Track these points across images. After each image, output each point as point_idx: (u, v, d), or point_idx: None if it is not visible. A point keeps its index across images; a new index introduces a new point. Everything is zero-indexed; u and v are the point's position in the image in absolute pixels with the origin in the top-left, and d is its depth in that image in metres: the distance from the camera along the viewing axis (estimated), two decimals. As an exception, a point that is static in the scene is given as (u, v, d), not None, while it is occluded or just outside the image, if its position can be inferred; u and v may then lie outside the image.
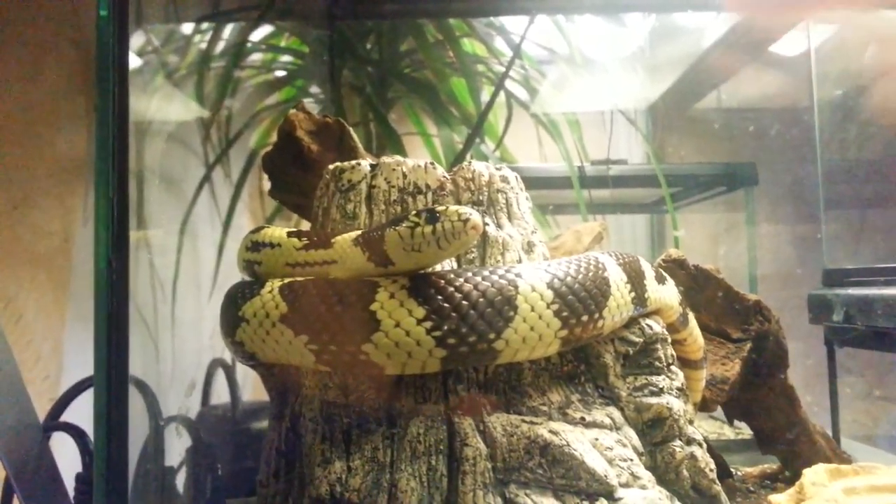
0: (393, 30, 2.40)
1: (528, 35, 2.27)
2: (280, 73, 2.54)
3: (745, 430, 1.90)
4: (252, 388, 1.97)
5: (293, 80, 2.51)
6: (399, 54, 2.44)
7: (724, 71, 2.51)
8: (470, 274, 0.90)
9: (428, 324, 0.86)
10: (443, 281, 0.89)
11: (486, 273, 0.91)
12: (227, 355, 1.83)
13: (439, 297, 0.87)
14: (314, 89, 2.49)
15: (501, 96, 2.29)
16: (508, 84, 2.32)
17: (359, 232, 0.97)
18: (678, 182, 2.48)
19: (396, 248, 0.88)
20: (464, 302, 0.87)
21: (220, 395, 1.83)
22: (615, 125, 2.52)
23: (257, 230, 1.07)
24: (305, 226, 1.45)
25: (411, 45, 2.42)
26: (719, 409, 1.50)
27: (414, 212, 0.88)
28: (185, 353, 1.91)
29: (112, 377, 0.95)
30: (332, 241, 0.98)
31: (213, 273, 2.07)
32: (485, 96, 2.32)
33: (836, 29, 2.27)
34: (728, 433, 2.11)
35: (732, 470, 1.57)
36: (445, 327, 0.86)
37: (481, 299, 0.88)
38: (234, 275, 1.90)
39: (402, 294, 0.88)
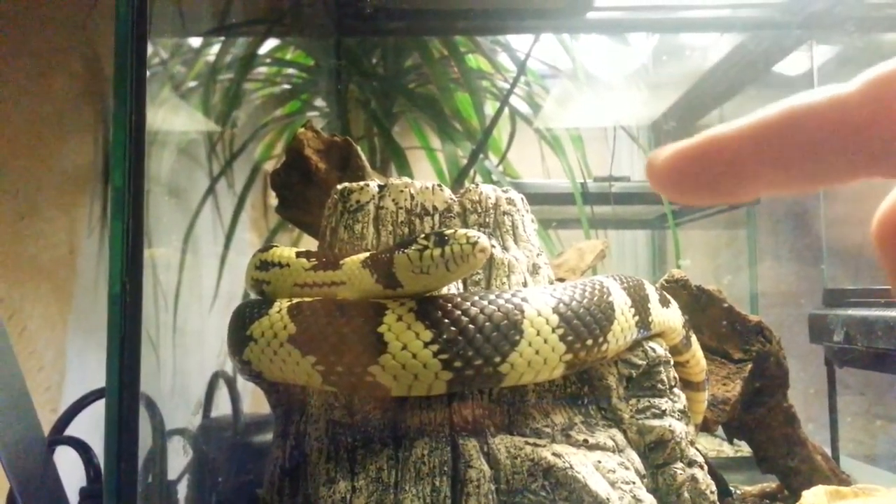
0: (398, 45, 2.42)
1: (533, 52, 2.29)
2: (285, 87, 2.56)
3: (744, 448, 1.91)
4: (251, 399, 1.98)
5: (298, 94, 2.53)
6: (404, 69, 2.46)
7: (726, 90, 2.53)
8: (477, 297, 0.91)
9: (434, 347, 0.87)
10: (450, 304, 0.90)
11: (492, 297, 0.92)
12: (229, 367, 1.84)
13: (446, 321, 0.88)
14: (319, 102, 2.51)
15: (505, 111, 2.31)
16: (512, 99, 2.34)
17: (367, 254, 0.98)
18: (680, 199, 2.48)
19: (405, 271, 0.89)
20: (470, 326, 0.88)
21: (222, 407, 1.83)
22: (618, 142, 2.53)
23: (266, 249, 1.08)
24: (310, 242, 1.46)
25: (416, 60, 2.44)
26: (719, 427, 1.51)
27: (422, 235, 0.89)
28: (188, 366, 1.91)
29: (123, 395, 0.96)
30: (341, 262, 0.99)
31: (216, 286, 2.08)
32: (488, 110, 2.34)
33: (838, 49, 2.29)
34: (727, 451, 2.12)
35: (732, 489, 1.57)
36: (452, 350, 0.87)
37: (487, 323, 0.89)
38: (237, 288, 1.90)
39: (409, 317, 0.89)
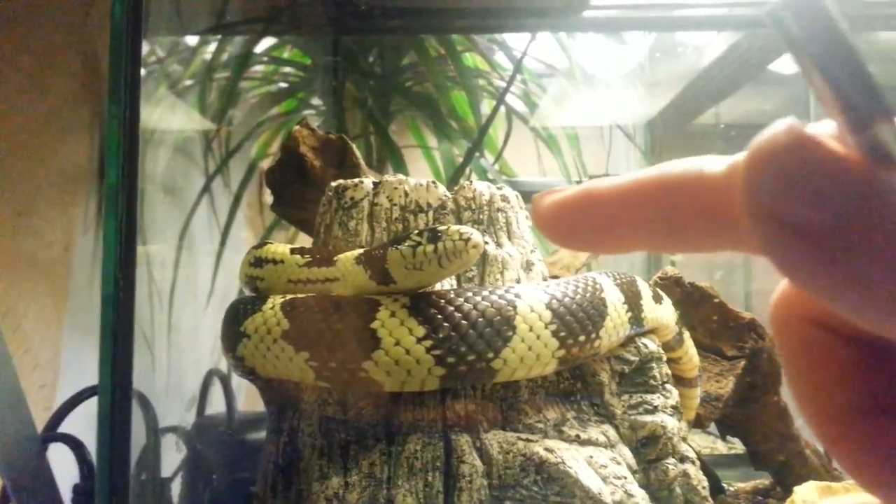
0: (395, 44, 2.42)
1: (529, 50, 2.30)
2: (282, 85, 2.56)
3: (737, 445, 1.91)
4: (245, 397, 1.98)
5: (295, 92, 2.53)
6: (401, 68, 2.46)
7: (722, 88, 2.53)
8: (470, 294, 0.92)
9: (428, 342, 0.88)
10: (443, 300, 0.90)
11: (485, 293, 0.92)
12: (224, 365, 1.84)
13: (439, 317, 0.88)
14: (315, 101, 2.51)
15: (501, 110, 2.31)
16: (508, 98, 2.34)
17: (361, 250, 0.98)
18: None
19: (398, 267, 0.89)
20: (463, 321, 0.89)
21: (216, 405, 1.83)
22: (614, 140, 2.54)
23: (260, 246, 1.08)
24: (305, 240, 1.46)
25: (413, 58, 2.44)
26: (713, 424, 1.52)
27: (416, 231, 0.90)
28: (182, 364, 1.92)
29: (116, 392, 0.96)
30: (335, 258, 1.00)
31: (211, 284, 2.08)
32: (485, 109, 2.35)
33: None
34: (721, 448, 2.12)
35: (725, 485, 1.58)
36: (445, 346, 0.88)
37: (480, 319, 0.89)
38: (232, 286, 1.90)
39: (402, 313, 0.89)
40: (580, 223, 0.37)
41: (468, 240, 0.85)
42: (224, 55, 2.30)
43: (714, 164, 0.33)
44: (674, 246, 0.36)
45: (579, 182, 2.19)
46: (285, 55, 2.55)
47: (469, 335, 0.88)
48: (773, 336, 0.36)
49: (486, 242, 1.08)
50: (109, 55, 1.14)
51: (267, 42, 2.47)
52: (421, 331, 0.88)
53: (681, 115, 2.73)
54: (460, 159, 2.16)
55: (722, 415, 1.44)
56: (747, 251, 0.33)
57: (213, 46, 2.27)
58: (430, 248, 0.86)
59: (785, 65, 2.42)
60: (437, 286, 1.01)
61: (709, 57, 2.49)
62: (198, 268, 2.11)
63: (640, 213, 0.35)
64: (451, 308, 0.89)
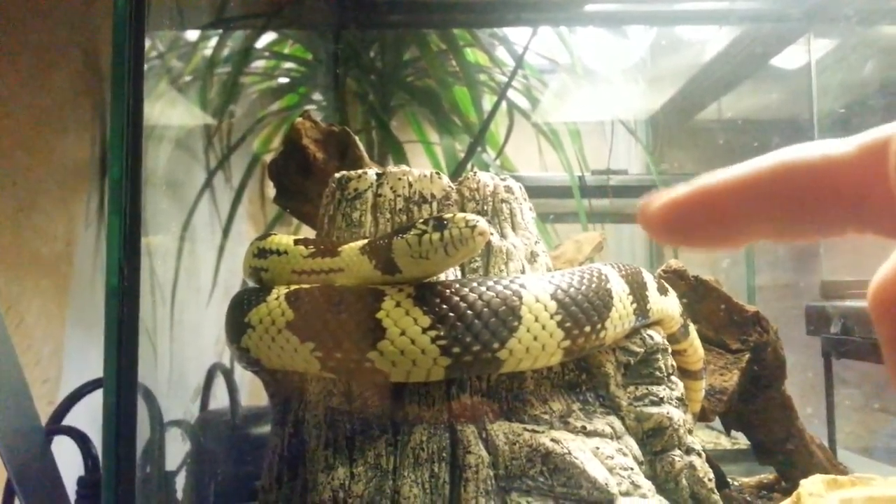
0: (397, 39, 2.42)
1: (531, 45, 2.29)
2: (283, 80, 2.55)
3: (741, 441, 1.91)
4: (248, 392, 1.98)
5: (296, 87, 2.53)
6: (402, 63, 2.46)
7: (724, 83, 2.53)
8: (475, 284, 0.91)
9: (433, 332, 0.87)
10: (448, 290, 0.90)
11: (490, 283, 0.92)
12: (227, 359, 1.84)
13: (444, 306, 0.88)
14: (317, 96, 2.51)
15: (503, 105, 2.31)
16: (510, 93, 2.34)
17: (366, 240, 0.98)
18: (678, 192, 2.48)
19: (404, 256, 0.89)
20: (468, 311, 0.88)
21: (220, 399, 1.83)
22: (615, 135, 2.54)
23: (264, 237, 1.08)
24: (308, 232, 1.46)
25: (415, 53, 2.43)
26: (717, 419, 1.51)
27: (421, 220, 0.89)
28: (185, 358, 1.92)
29: (121, 385, 0.96)
30: (339, 249, 0.99)
31: (213, 278, 2.08)
32: (486, 105, 2.34)
33: (836, 43, 2.29)
34: (725, 443, 2.12)
35: (729, 480, 1.57)
36: (450, 336, 0.87)
37: (486, 309, 0.89)
38: (234, 281, 1.90)
39: (407, 302, 0.89)
40: (697, 221, 0.37)
41: (474, 227, 0.84)
42: (225, 50, 2.29)
43: (839, 145, 0.33)
44: (797, 234, 0.36)
45: (581, 177, 2.19)
46: (286, 50, 2.54)
47: (474, 325, 0.88)
48: (875, 320, 0.34)
49: (491, 233, 1.08)
50: (112, 50, 1.14)
51: (268, 37, 2.47)
52: (426, 321, 0.87)
53: (683, 110, 2.73)
54: (462, 154, 2.15)
55: (727, 408, 1.44)
56: (877, 232, 0.33)
57: (213, 41, 2.26)
58: (436, 235, 0.85)
59: (787, 59, 2.41)
60: (442, 276, 1.00)
61: (711, 51, 2.48)
62: (200, 262, 2.11)
63: (762, 202, 0.35)
64: (457, 298, 0.89)
